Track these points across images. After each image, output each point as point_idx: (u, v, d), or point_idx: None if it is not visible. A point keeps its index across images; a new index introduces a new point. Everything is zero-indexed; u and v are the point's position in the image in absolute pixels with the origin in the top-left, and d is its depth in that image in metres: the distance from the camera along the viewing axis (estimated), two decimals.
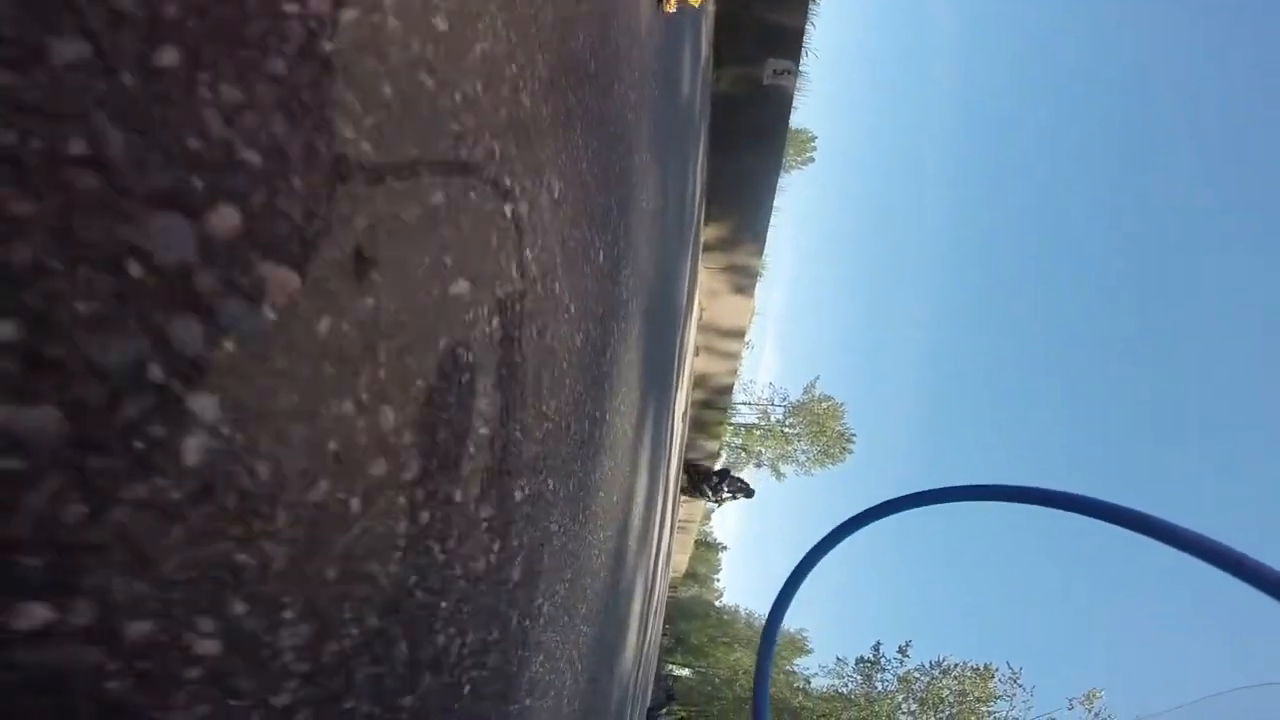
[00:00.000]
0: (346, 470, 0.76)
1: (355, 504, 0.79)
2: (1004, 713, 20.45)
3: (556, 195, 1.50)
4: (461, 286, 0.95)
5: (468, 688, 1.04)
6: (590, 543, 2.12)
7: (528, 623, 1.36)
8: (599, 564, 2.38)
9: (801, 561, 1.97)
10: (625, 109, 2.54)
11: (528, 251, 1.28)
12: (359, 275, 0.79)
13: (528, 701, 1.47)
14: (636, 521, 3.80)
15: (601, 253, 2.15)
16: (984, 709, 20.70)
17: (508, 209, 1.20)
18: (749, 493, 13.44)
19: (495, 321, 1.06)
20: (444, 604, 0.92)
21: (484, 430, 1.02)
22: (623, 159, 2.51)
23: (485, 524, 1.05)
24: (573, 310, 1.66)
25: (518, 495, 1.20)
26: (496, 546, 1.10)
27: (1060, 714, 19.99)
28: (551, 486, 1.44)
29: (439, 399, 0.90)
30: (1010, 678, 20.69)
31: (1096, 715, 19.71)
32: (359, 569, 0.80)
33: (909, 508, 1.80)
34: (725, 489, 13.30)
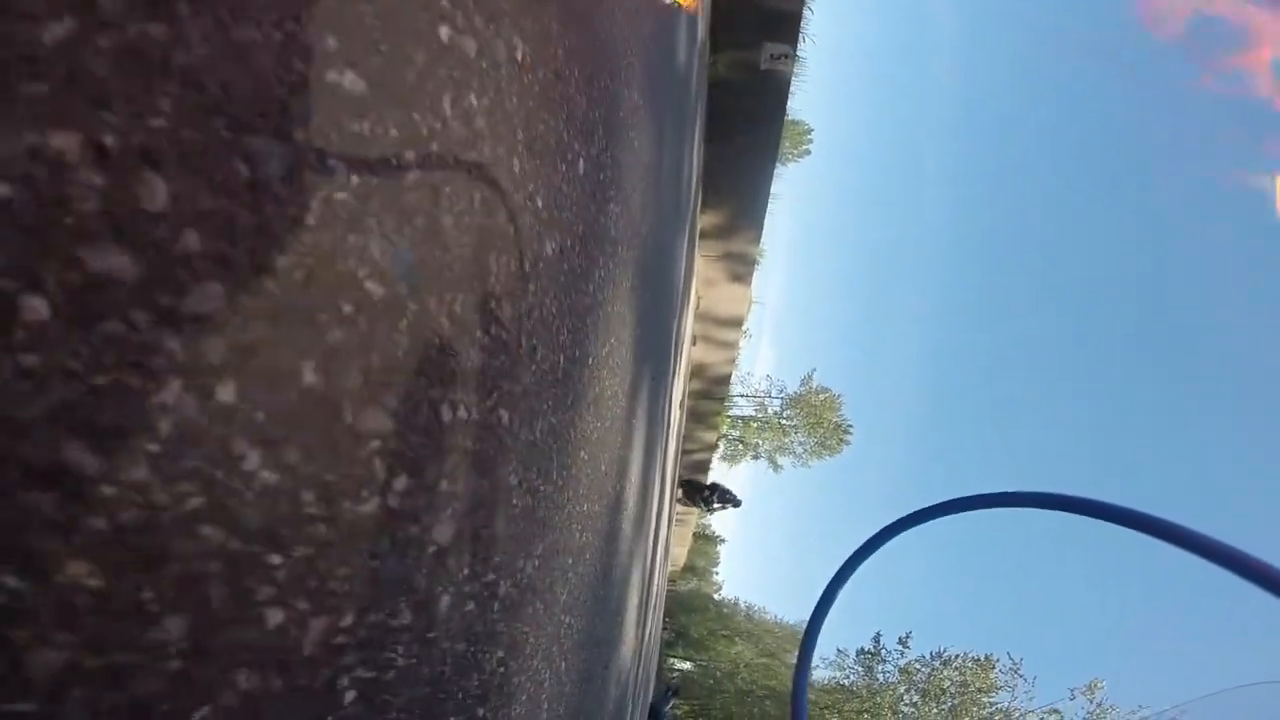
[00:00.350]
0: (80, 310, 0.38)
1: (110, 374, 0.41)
2: (1005, 703, 20.30)
3: (519, 59, 1.14)
4: (349, 79, 0.58)
5: (350, 694, 0.67)
6: (570, 514, 1.75)
7: (471, 606, 0.99)
8: (584, 542, 2.01)
9: (840, 570, 1.74)
10: (613, 27, 2.20)
11: (472, 97, 0.90)
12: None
13: (481, 711, 1.10)
14: (631, 502, 3.43)
15: (582, 163, 1.78)
16: (985, 700, 20.56)
17: (444, 31, 0.83)
18: (737, 503, 14.96)
19: (408, 155, 0.69)
20: (278, 560, 0.55)
21: (377, 292, 0.64)
22: (609, 80, 2.17)
23: (374, 445, 0.67)
24: (539, 205, 1.29)
25: (445, 416, 0.82)
26: (400, 486, 0.72)
27: (1062, 704, 19.84)
28: (506, 422, 1.07)
29: (282, 213, 0.52)
30: (1011, 668, 20.53)
31: (1098, 706, 19.58)
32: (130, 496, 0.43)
33: (952, 513, 1.63)
34: (716, 500, 14.85)
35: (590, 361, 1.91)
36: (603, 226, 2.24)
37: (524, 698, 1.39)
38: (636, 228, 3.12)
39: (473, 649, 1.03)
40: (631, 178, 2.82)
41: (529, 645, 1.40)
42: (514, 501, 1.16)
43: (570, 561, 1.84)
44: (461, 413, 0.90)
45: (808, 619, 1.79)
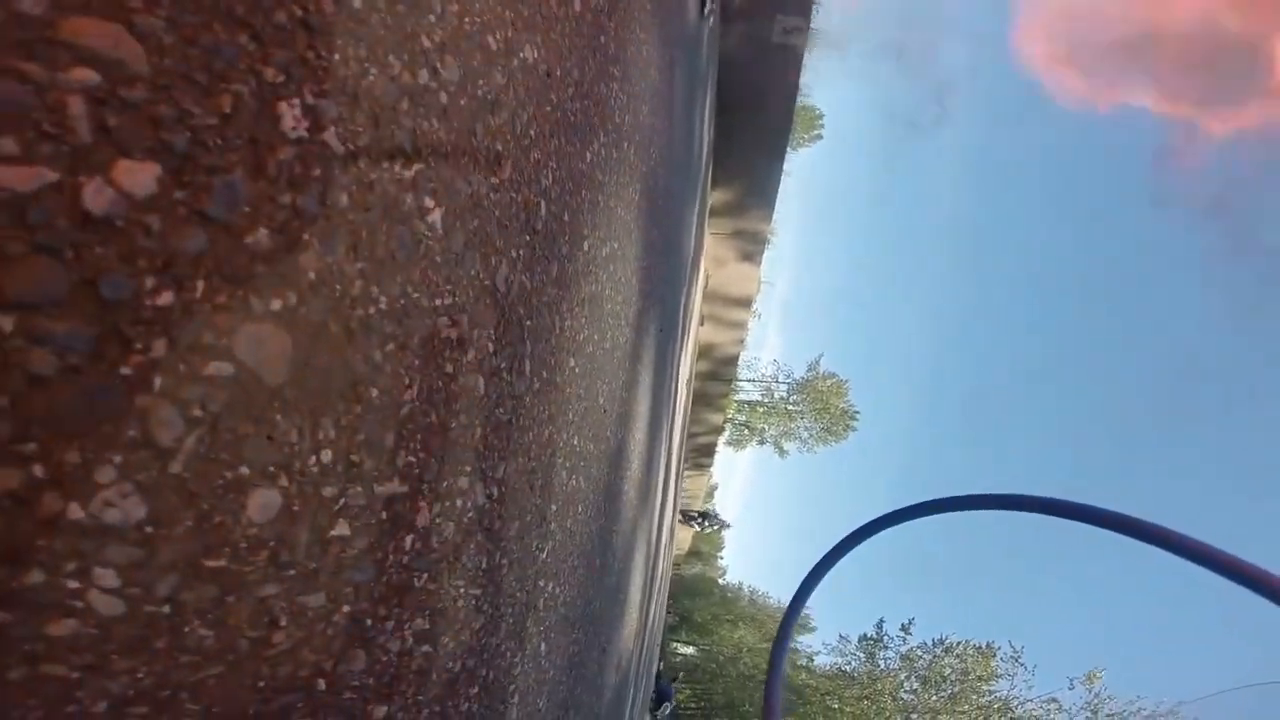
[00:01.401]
0: None
1: None
2: (1004, 692, 20.14)
3: None
4: None
5: None
6: (555, 442, 1.28)
7: (344, 530, 0.53)
8: (574, 487, 1.55)
9: (815, 568, 1.79)
10: None
11: None
12: None
13: (383, 711, 0.64)
14: (635, 462, 2.97)
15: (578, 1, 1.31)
16: (985, 688, 20.40)
17: None
18: (725, 525, 18.48)
19: None
20: None
21: None
22: None
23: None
24: None
25: (285, 118, 0.35)
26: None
27: (1061, 694, 19.65)
28: (435, 222, 0.60)
29: None
30: (1012, 656, 20.32)
31: (1096, 696, 19.34)
32: None
33: (925, 515, 1.77)
34: (708, 524, 18.33)
35: (584, 245, 1.43)
36: (603, 97, 1.78)
37: (474, 690, 0.93)
38: (646, 144, 2.66)
39: (351, 609, 0.57)
40: (637, 79, 2.35)
41: (484, 615, 0.94)
42: (446, 368, 0.70)
43: (555, 509, 1.38)
44: (332, 138, 0.43)
45: (783, 618, 1.73)
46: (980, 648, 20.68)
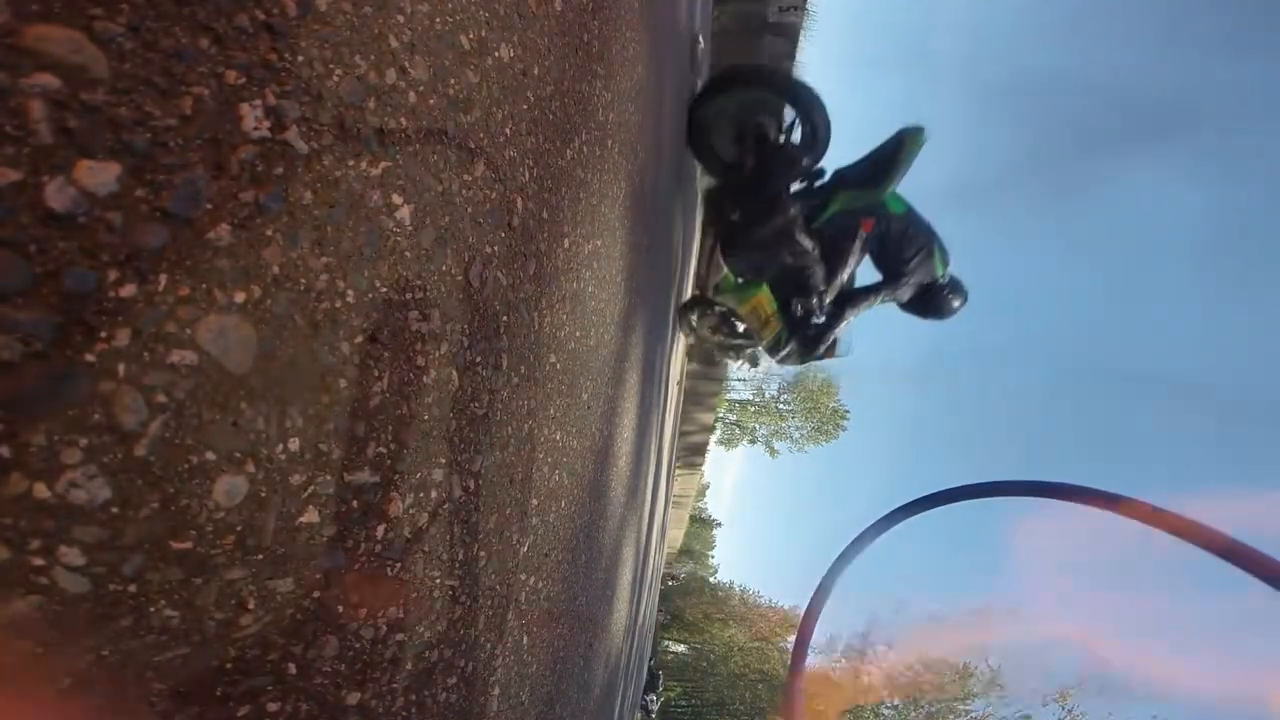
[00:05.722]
0: None
1: None
2: (979, 712, 20.63)
3: None
4: None
5: None
6: (536, 438, 1.30)
7: (314, 517, 0.54)
8: (558, 483, 1.57)
9: (837, 560, 1.82)
10: None
11: None
12: None
13: (356, 698, 0.66)
14: (623, 460, 2.99)
15: None
16: (961, 707, 20.91)
17: None
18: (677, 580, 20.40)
19: None
20: None
21: None
22: None
23: None
24: None
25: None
26: None
27: (1034, 710, 20.11)
28: (404, 216, 0.61)
29: None
30: (990, 679, 20.78)
31: (1069, 712, 19.79)
32: None
33: (943, 504, 1.70)
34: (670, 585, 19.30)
35: (564, 242, 1.45)
36: (585, 95, 1.80)
37: (452, 680, 0.95)
38: (632, 142, 2.66)
39: (322, 595, 0.58)
40: (623, 77, 2.36)
41: (461, 607, 0.95)
42: (418, 361, 0.71)
43: (536, 503, 1.40)
44: (295, 138, 0.45)
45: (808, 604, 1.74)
46: (958, 667, 21.15)
